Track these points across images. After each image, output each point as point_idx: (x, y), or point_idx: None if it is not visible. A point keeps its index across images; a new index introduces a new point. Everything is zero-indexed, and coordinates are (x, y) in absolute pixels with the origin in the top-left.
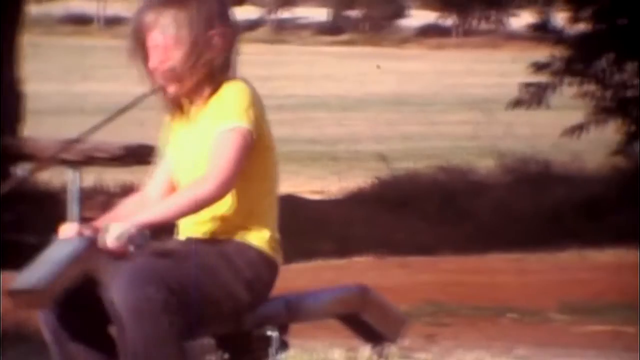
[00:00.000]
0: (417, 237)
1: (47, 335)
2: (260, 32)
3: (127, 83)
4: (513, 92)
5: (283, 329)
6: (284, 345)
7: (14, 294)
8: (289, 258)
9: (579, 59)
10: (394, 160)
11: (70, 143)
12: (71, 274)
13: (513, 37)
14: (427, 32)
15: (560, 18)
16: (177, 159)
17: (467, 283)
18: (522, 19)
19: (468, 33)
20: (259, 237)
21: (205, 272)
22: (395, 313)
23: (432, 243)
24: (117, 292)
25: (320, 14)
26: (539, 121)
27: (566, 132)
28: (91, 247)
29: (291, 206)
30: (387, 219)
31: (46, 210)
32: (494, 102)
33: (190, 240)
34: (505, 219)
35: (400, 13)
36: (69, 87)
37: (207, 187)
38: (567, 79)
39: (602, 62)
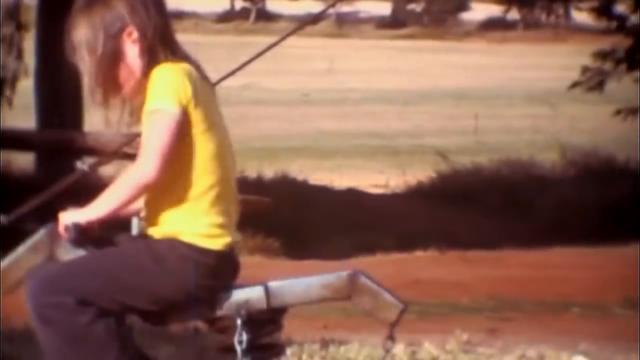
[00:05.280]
0: (479, 232)
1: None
2: (322, 26)
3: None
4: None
5: (276, 314)
6: (277, 329)
7: None
8: (349, 253)
9: None
10: (456, 154)
11: (133, 137)
12: (27, 262)
13: (577, 30)
14: (490, 25)
15: (622, 7)
16: None
17: (530, 277)
18: (585, 13)
19: (531, 26)
20: (191, 229)
21: (138, 274)
22: (388, 298)
23: (494, 237)
24: (27, 299)
25: (381, 8)
26: (602, 115)
27: (617, 113)
28: (51, 234)
29: (352, 200)
30: (449, 213)
31: None
32: (557, 95)
33: (125, 239)
34: (568, 213)
35: (462, 6)
36: None
37: (138, 171)
38: (627, 67)
39: None
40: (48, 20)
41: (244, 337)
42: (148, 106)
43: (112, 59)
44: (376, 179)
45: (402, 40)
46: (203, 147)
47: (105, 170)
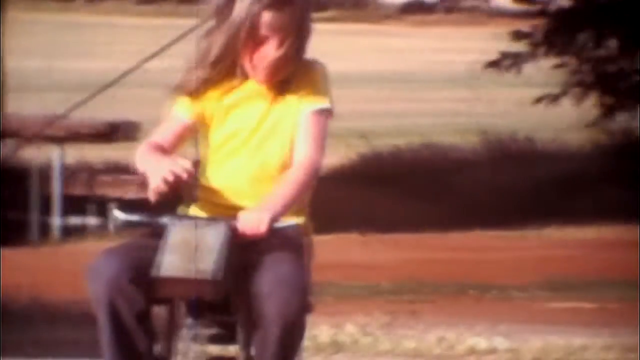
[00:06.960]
0: (400, 214)
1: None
2: None
3: (110, 60)
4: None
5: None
6: None
7: (182, 281)
8: None
9: (559, 32)
10: (377, 137)
11: (54, 119)
12: (234, 262)
13: (497, 14)
14: (410, 9)
15: None
16: (239, 134)
17: (450, 260)
18: None
19: (451, 10)
20: (304, 217)
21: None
22: None
23: (415, 220)
24: (281, 303)
25: None
26: (521, 99)
27: (538, 100)
28: (236, 232)
29: None
30: (370, 196)
31: (29, 186)
32: (477, 79)
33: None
34: (487, 196)
35: None
36: (53, 63)
37: (315, 162)
38: (545, 50)
39: (583, 37)
40: None
41: None
42: (321, 103)
43: (302, 46)
44: None
45: (323, 24)
46: None
47: (27, 152)
